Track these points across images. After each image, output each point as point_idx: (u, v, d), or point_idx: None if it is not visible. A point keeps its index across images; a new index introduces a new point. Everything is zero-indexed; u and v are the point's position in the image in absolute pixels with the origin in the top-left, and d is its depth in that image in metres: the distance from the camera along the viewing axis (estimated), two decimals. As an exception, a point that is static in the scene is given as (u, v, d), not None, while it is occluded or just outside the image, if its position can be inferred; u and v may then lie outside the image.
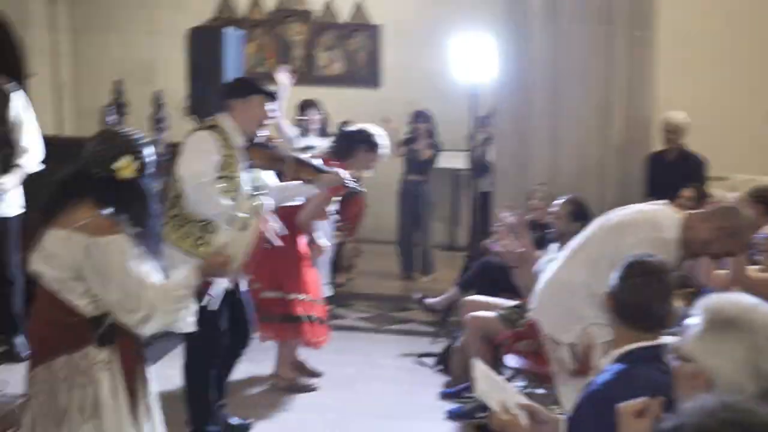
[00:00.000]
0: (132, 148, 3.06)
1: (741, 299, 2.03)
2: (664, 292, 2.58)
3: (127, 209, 3.00)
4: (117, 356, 2.95)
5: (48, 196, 3.06)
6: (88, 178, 3.02)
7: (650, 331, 2.42)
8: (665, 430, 1.29)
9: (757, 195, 5.02)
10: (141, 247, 3.02)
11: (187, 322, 3.11)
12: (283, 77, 7.14)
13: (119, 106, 7.34)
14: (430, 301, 6.51)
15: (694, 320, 1.96)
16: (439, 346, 6.15)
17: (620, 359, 2.51)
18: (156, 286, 2.94)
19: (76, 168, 3.08)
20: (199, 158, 4.17)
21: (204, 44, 6.99)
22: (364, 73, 11.14)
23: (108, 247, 2.86)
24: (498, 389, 2.66)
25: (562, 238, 4.90)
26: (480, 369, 2.71)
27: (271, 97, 4.59)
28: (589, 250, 3.97)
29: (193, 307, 3.12)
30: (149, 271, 2.99)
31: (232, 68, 6.72)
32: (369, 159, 5.66)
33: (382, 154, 5.74)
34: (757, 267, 4.55)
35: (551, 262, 4.37)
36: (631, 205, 4.32)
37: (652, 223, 3.84)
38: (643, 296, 2.54)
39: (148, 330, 2.97)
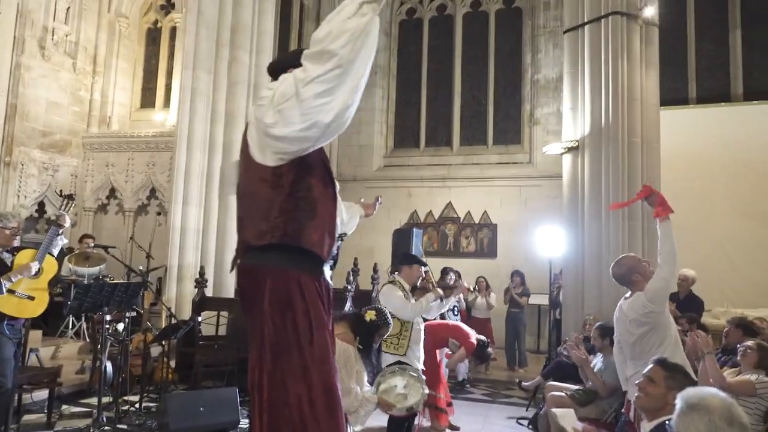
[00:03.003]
0: (377, 309, 3.16)
1: (704, 390, 1.80)
2: None
3: (361, 335, 2.99)
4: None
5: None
6: (355, 315, 3.12)
7: None
8: None
9: (739, 323, 4.47)
10: (362, 359, 2.96)
11: (358, 424, 2.88)
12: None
13: (354, 271, 7.32)
14: (525, 384, 6.05)
15: (677, 404, 1.80)
16: (530, 413, 5.62)
17: (658, 427, 2.26)
18: (359, 390, 2.83)
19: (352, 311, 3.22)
20: (394, 298, 4.15)
21: (402, 237, 7.04)
22: (487, 250, 10.99)
23: (343, 349, 2.81)
24: (572, 422, 2.92)
25: (601, 350, 4.62)
26: (563, 410, 2.74)
27: (424, 265, 4.54)
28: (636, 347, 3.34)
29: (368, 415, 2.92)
30: (360, 378, 2.91)
31: (416, 250, 6.63)
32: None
33: None
34: (734, 370, 3.94)
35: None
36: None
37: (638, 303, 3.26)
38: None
39: (351, 417, 2.81)
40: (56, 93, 9.00)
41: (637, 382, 2.57)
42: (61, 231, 5.01)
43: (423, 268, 4.48)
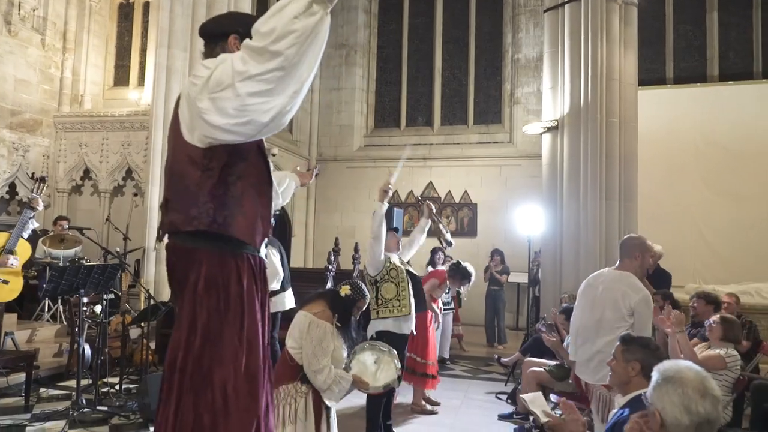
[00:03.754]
0: (351, 283, 3.11)
1: (680, 363, 1.86)
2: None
3: (338, 311, 2.96)
4: (311, 390, 2.84)
5: (309, 297, 3.08)
6: (331, 292, 3.08)
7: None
8: None
9: (701, 294, 4.69)
10: (341, 335, 2.95)
11: (332, 401, 2.87)
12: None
13: (335, 251, 7.52)
14: (504, 360, 6.19)
15: (653, 377, 1.83)
16: (509, 388, 5.75)
17: (632, 400, 2.33)
18: (332, 368, 2.83)
19: (328, 288, 3.18)
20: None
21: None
22: (468, 229, 11.10)
23: (320, 327, 2.83)
24: (542, 405, 2.66)
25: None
26: (531, 395, 2.84)
27: (396, 231, 4.61)
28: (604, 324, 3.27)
29: (343, 392, 2.89)
30: (338, 355, 2.91)
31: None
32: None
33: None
34: (705, 344, 4.09)
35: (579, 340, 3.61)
36: (598, 277, 3.48)
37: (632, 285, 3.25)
38: (660, 359, 2.28)
39: (325, 394, 2.83)
40: (24, 70, 8.72)
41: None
42: (32, 214, 4.96)
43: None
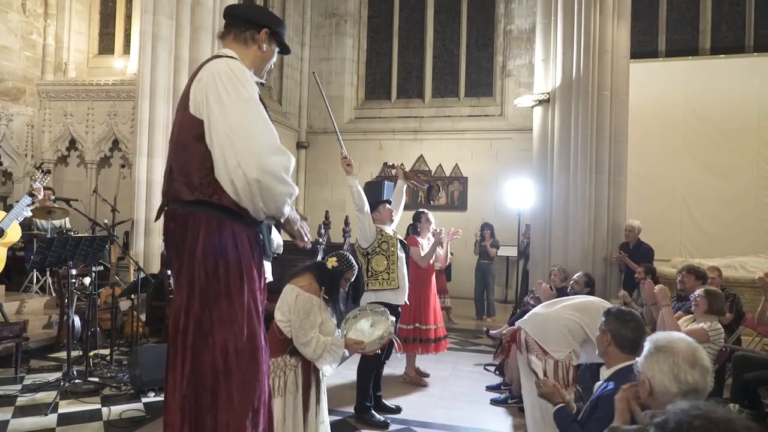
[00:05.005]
0: (339, 255, 3.08)
1: (672, 335, 1.90)
2: (644, 331, 2.41)
3: (325, 283, 2.93)
4: (301, 363, 2.84)
5: (296, 270, 3.05)
6: (318, 264, 3.05)
7: (635, 354, 2.14)
8: (656, 423, 1.08)
9: (690, 269, 4.68)
10: (329, 307, 2.93)
11: (327, 369, 2.86)
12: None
13: (326, 224, 7.54)
14: (492, 332, 6.07)
15: (646, 346, 1.87)
16: (497, 360, 5.77)
17: (616, 373, 2.34)
18: (320, 338, 2.81)
19: (315, 261, 3.17)
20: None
21: (373, 189, 7.00)
22: (458, 203, 11.08)
23: (306, 300, 2.81)
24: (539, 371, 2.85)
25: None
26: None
27: (389, 203, 4.59)
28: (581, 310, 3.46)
29: (337, 360, 2.87)
30: (327, 327, 2.88)
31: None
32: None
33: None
34: (689, 317, 4.15)
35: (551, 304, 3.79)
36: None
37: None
38: (639, 333, 2.34)
39: (318, 363, 2.82)
40: (5, 36, 8.46)
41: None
42: (30, 201, 5.10)
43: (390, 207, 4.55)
